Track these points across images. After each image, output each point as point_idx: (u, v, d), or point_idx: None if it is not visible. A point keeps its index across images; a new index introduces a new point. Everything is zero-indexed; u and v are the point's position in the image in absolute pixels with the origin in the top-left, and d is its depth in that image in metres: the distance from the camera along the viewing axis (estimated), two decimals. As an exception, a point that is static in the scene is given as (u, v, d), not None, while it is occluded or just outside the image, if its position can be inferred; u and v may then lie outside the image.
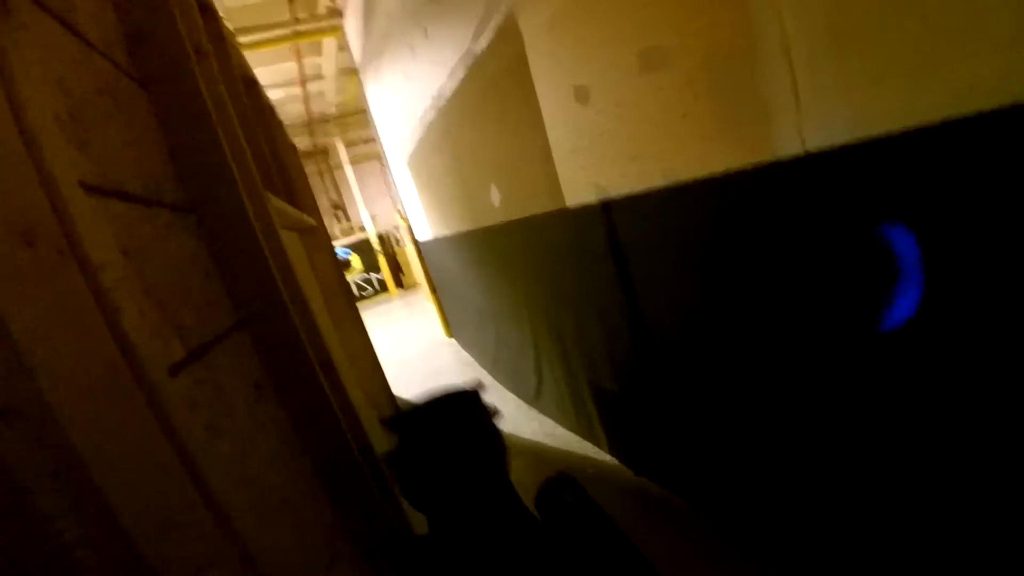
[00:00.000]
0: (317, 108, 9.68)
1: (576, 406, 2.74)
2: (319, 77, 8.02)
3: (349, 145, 12.20)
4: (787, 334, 1.29)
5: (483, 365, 4.45)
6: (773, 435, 1.48)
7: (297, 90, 8.12)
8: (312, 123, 9.98)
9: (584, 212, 1.90)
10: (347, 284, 2.86)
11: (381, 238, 12.06)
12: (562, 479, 0.94)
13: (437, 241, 4.42)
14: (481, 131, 2.59)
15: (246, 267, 0.89)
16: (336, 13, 5.06)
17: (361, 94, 5.54)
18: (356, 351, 2.59)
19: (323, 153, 13.14)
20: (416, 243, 5.76)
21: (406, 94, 3.61)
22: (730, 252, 1.35)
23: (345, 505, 1.01)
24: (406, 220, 5.88)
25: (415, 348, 6.18)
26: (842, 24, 0.94)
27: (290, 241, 1.92)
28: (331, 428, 0.99)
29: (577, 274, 2.14)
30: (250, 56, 6.31)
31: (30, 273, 0.27)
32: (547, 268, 2.41)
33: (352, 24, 4.77)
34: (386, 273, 12.03)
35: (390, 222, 12.95)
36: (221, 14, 5.16)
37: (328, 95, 9.05)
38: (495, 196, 2.70)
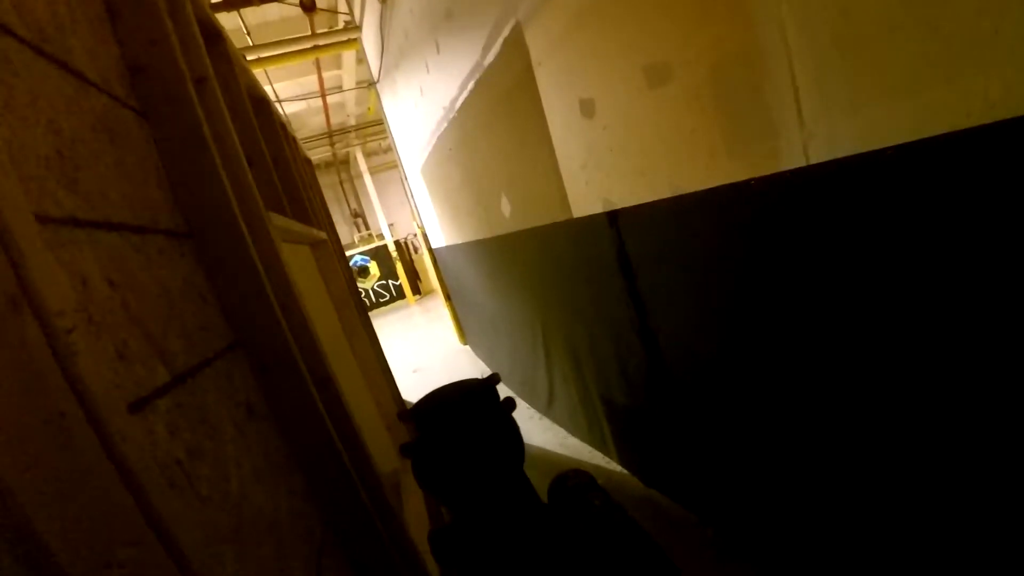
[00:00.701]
0: (337, 119, 9.86)
1: (588, 417, 2.73)
2: (339, 89, 8.18)
3: (369, 155, 12.40)
4: (797, 348, 1.27)
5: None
6: (783, 451, 1.45)
7: (318, 102, 8.30)
8: (332, 134, 10.17)
9: (591, 223, 1.90)
10: (359, 294, 2.90)
11: (399, 245, 12.20)
12: (576, 473, 0.95)
13: (451, 249, 4.46)
14: (492, 142, 2.62)
15: (241, 288, 0.92)
16: (354, 27, 5.16)
17: (379, 105, 5.64)
18: (366, 360, 2.62)
19: (344, 163, 13.38)
20: (431, 250, 5.82)
21: (421, 106, 3.66)
22: (737, 264, 1.34)
23: (336, 521, 1.03)
24: (422, 228, 5.94)
25: (430, 355, 6.23)
26: (847, 39, 0.93)
27: (297, 255, 1.96)
28: (324, 446, 1.00)
29: (587, 285, 2.14)
30: (272, 70, 6.48)
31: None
32: (558, 279, 2.41)
33: (369, 37, 4.86)
34: (403, 280, 12.16)
35: (408, 230, 13.10)
36: (245, 31, 5.28)
37: (348, 106, 9.22)
38: (505, 206, 2.71)
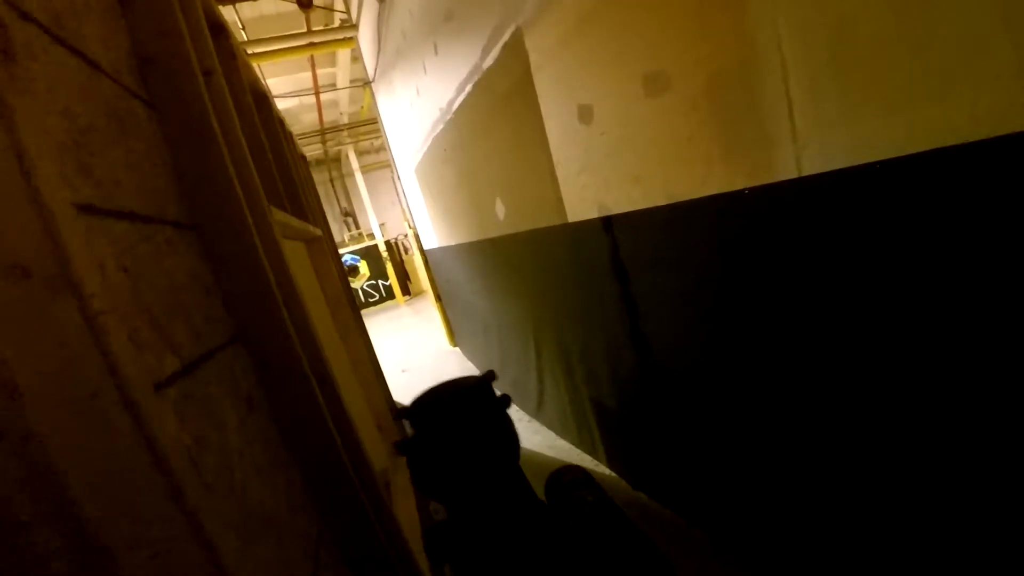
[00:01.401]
0: (330, 117, 9.82)
1: (578, 420, 2.74)
2: (333, 87, 8.15)
3: (360, 154, 12.35)
4: (786, 355, 1.30)
5: (486, 376, 4.46)
6: (771, 455, 1.48)
7: (311, 100, 8.26)
8: (325, 132, 10.12)
9: (586, 227, 1.92)
10: (352, 293, 2.90)
11: (389, 245, 12.16)
12: (570, 469, 0.96)
13: (443, 250, 4.46)
14: (488, 145, 2.63)
15: (245, 282, 0.92)
16: (351, 26, 5.16)
17: (373, 105, 5.63)
18: (359, 359, 2.61)
19: (335, 161, 13.32)
20: (423, 251, 5.81)
21: (417, 107, 3.66)
22: (730, 271, 1.36)
23: (333, 516, 1.03)
24: (414, 228, 5.94)
25: (419, 357, 6.21)
26: (843, 55, 0.96)
27: (294, 251, 1.96)
28: (322, 440, 1.01)
29: (580, 290, 2.16)
30: (266, 66, 6.44)
31: (22, 307, 0.30)
32: (551, 282, 2.43)
33: (366, 36, 4.85)
34: (393, 280, 12.11)
35: (399, 230, 13.05)
36: (240, 26, 5.25)
37: (341, 105, 9.19)
38: (500, 209, 2.73)
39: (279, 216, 1.39)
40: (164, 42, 0.93)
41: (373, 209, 12.13)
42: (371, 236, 12.42)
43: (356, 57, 6.19)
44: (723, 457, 1.68)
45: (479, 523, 0.84)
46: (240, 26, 5.37)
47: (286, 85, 7.68)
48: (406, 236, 12.04)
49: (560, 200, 2.05)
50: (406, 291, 12.48)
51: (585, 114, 1.71)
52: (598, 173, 1.76)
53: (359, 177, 11.80)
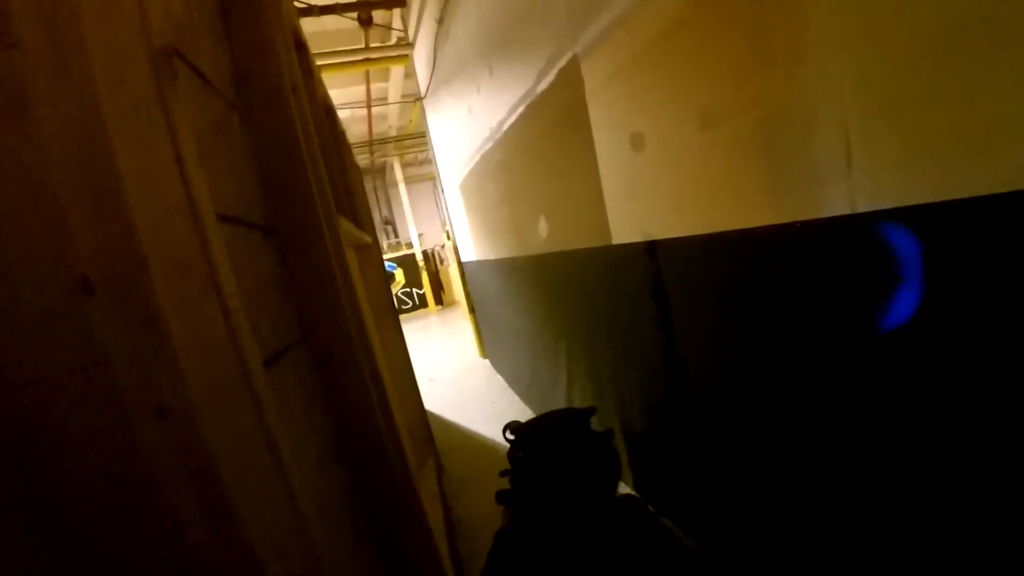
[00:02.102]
0: (379, 129, 10.15)
1: (605, 443, 2.73)
2: (384, 101, 8.44)
3: (405, 166, 12.68)
4: (822, 391, 1.29)
5: (515, 389, 4.48)
6: (802, 492, 1.45)
7: (363, 112, 8.57)
8: (373, 143, 10.46)
9: (629, 251, 1.94)
10: (393, 301, 2.98)
11: (426, 255, 12.39)
12: (627, 498, 0.99)
13: (481, 263, 4.53)
14: (536, 166, 2.69)
15: (316, 285, 0.98)
16: (407, 44, 5.36)
17: (422, 120, 5.81)
18: (397, 367, 2.68)
19: (380, 171, 13.71)
20: (460, 263, 5.91)
21: (467, 125, 3.77)
22: (770, 304, 1.37)
23: (374, 515, 1.07)
24: (452, 240, 6.05)
25: (449, 366, 6.27)
26: (898, 103, 0.97)
27: (349, 257, 2.05)
28: (373, 440, 1.06)
29: (617, 312, 2.17)
30: (324, 78, 6.74)
31: (185, 301, 0.35)
32: (588, 302, 2.45)
33: (421, 55, 5.04)
34: (427, 289, 12.31)
35: (436, 241, 13.29)
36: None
37: (391, 118, 9.50)
38: (543, 228, 2.78)
39: (343, 223, 1.47)
40: (261, 58, 1.02)
41: (413, 219, 12.40)
42: (409, 245, 12.68)
43: (409, 74, 6.41)
44: (752, 490, 1.65)
45: (550, 534, 0.88)
46: (304, 40, 5.64)
47: (339, 97, 7.99)
48: (443, 247, 12.24)
49: (605, 223, 2.08)
50: (439, 301, 12.66)
51: (637, 142, 1.75)
52: (645, 200, 1.79)
53: (402, 188, 12.12)
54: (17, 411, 0.29)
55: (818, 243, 1.21)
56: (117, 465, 0.32)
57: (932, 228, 0.97)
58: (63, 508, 0.31)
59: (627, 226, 1.94)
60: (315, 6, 4.72)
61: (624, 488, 2.60)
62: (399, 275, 12.37)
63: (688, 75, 1.46)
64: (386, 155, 11.69)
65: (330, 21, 6.06)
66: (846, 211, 1.13)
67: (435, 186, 13.16)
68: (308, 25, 5.79)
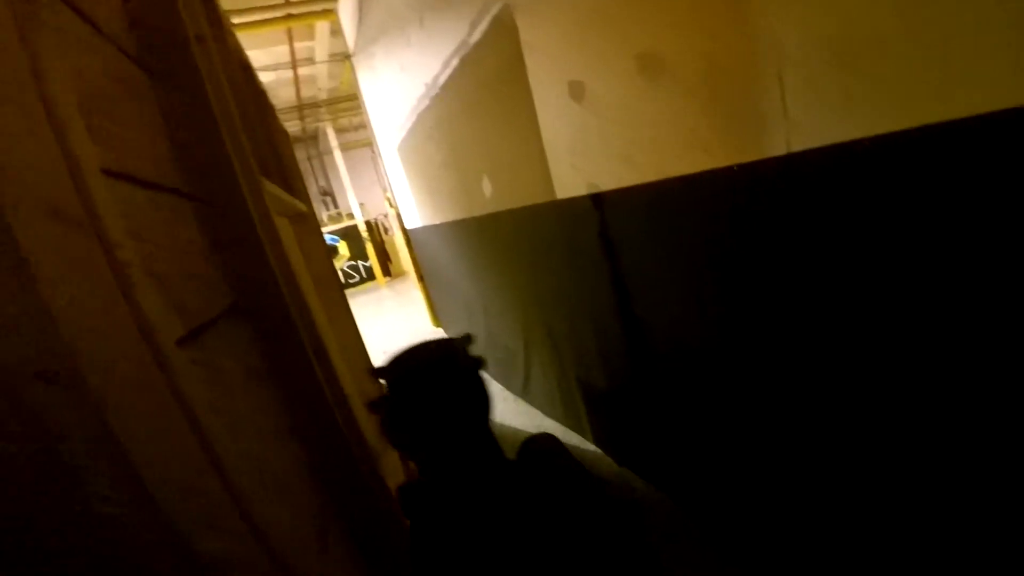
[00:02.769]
0: (308, 92, 9.56)
1: (564, 398, 2.79)
2: (311, 61, 7.92)
3: (340, 131, 12.09)
4: (776, 333, 1.34)
5: (470, 355, 4.48)
6: (757, 433, 1.53)
7: (289, 74, 8.02)
8: (303, 108, 9.86)
9: (575, 205, 1.93)
10: (336, 272, 2.87)
11: (369, 226, 12.00)
12: (543, 436, 1.00)
13: (427, 229, 4.43)
14: (476, 122, 2.61)
15: (242, 253, 0.91)
16: (330, -3, 5.01)
17: (353, 80, 5.50)
18: (345, 339, 2.60)
19: (313, 139, 13.01)
20: (405, 231, 5.76)
21: (401, 82, 3.60)
22: (719, 249, 1.39)
23: (336, 490, 1.04)
24: (395, 207, 5.87)
25: (402, 338, 6.19)
26: (840, 45, 0.98)
27: (283, 227, 1.93)
28: (323, 413, 1.02)
29: (569, 269, 2.18)
30: (241, 37, 6.22)
31: (58, 246, 0.30)
32: (539, 261, 2.44)
33: (346, 10, 4.72)
34: (374, 261, 11.99)
35: (379, 210, 12.87)
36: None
37: (320, 80, 8.95)
38: (487, 187, 2.72)
39: (271, 189, 1.37)
40: (157, 5, 0.90)
41: (353, 188, 11.92)
42: (351, 216, 12.23)
43: (336, 30, 6.02)
44: (708, 436, 1.73)
45: (448, 481, 0.87)
46: (214, -5, 5.16)
47: (262, 58, 7.43)
48: (387, 216, 11.89)
49: (549, 178, 2.05)
50: (387, 272, 12.38)
51: (576, 91, 1.71)
52: (588, 152, 1.77)
53: (338, 155, 11.56)
54: None
55: (753, 186, 1.24)
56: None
57: (864, 162, 1.00)
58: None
59: (572, 179, 1.92)
60: (222, -44, 4.29)
61: (586, 444, 2.68)
62: (343, 248, 11.96)
63: (628, 20, 1.42)
64: (318, 120, 11.08)
65: (242, -27, 5.55)
66: (782, 151, 1.15)
67: (373, 151, 12.68)
68: (217, -22, 5.29)
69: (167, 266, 0.66)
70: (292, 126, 10.79)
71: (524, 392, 3.35)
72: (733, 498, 1.74)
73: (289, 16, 5.36)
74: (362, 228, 11.77)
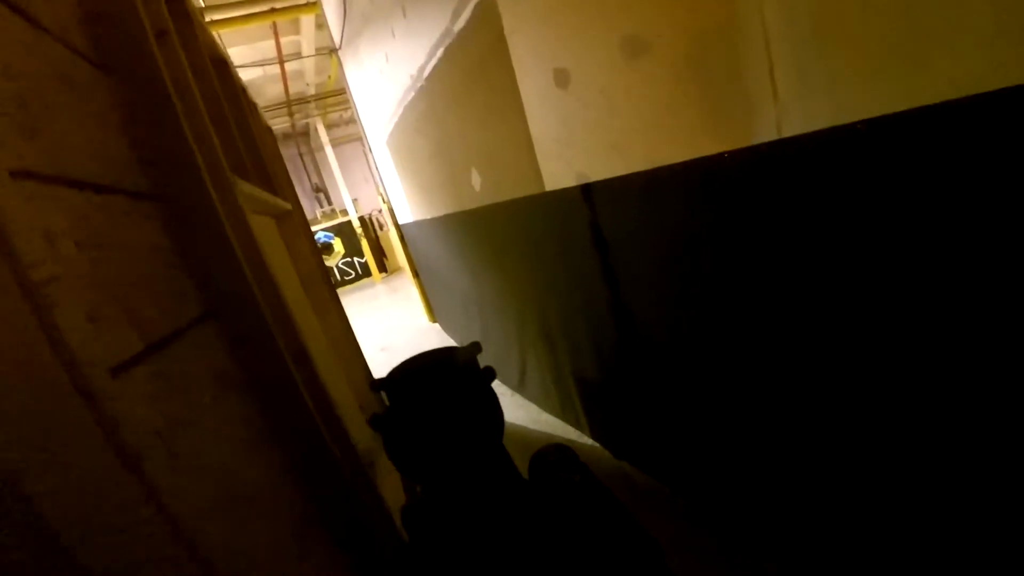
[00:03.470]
0: (296, 88, 9.44)
1: (560, 392, 2.76)
2: (297, 56, 7.81)
3: (330, 127, 11.97)
4: (767, 323, 1.31)
5: (466, 350, 4.46)
6: (751, 423, 1.51)
7: (275, 69, 7.91)
8: (291, 104, 9.75)
9: (564, 196, 1.89)
10: (326, 270, 2.83)
11: (364, 222, 11.92)
12: (557, 449, 0.94)
13: (419, 224, 4.38)
14: (462, 113, 2.56)
15: (212, 256, 0.87)
16: (314, -10, 4.92)
17: (341, 74, 5.42)
18: (337, 338, 2.57)
19: (303, 135, 12.88)
20: (398, 226, 5.71)
21: (387, 74, 3.53)
22: (711, 239, 1.36)
23: (318, 495, 1.01)
24: (388, 203, 5.81)
25: (398, 334, 6.16)
26: (825, 21, 0.94)
27: (264, 227, 1.89)
28: (303, 420, 0.98)
29: (561, 262, 2.14)
30: (227, 34, 6.12)
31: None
32: (531, 254, 2.41)
33: (331, 2, 4.63)
34: (369, 257, 11.92)
35: (373, 205, 12.79)
36: (193, -10, 4.94)
37: (307, 75, 8.83)
38: (476, 180, 2.67)
39: (245, 188, 1.32)
40: (113, 0, 0.86)
41: (345, 184, 11.82)
42: (344, 212, 12.15)
43: (321, 24, 5.93)
44: (704, 426, 1.71)
45: (457, 501, 0.82)
46: (195, -10, 5.06)
47: (249, 55, 7.33)
48: (380, 211, 11.82)
49: (537, 169, 2.01)
50: (382, 268, 12.32)
51: (561, 78, 1.66)
52: (576, 141, 1.73)
53: (329, 151, 11.45)
54: None
55: (744, 173, 1.20)
56: None
57: (855, 147, 0.96)
58: None
59: (561, 170, 1.88)
60: (202, -50, 4.20)
61: (583, 438, 2.66)
62: (337, 245, 11.89)
63: (611, 2, 1.37)
64: (308, 116, 10.95)
65: (224, -32, 5.45)
66: (772, 136, 1.11)
67: (364, 146, 12.60)
68: (198, -27, 5.18)
69: (121, 275, 0.63)
70: (281, 122, 10.68)
71: (520, 386, 3.33)
72: (732, 486, 1.72)
73: (273, 10, 5.27)
74: (356, 224, 11.70)
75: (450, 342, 5.08)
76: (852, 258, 1.04)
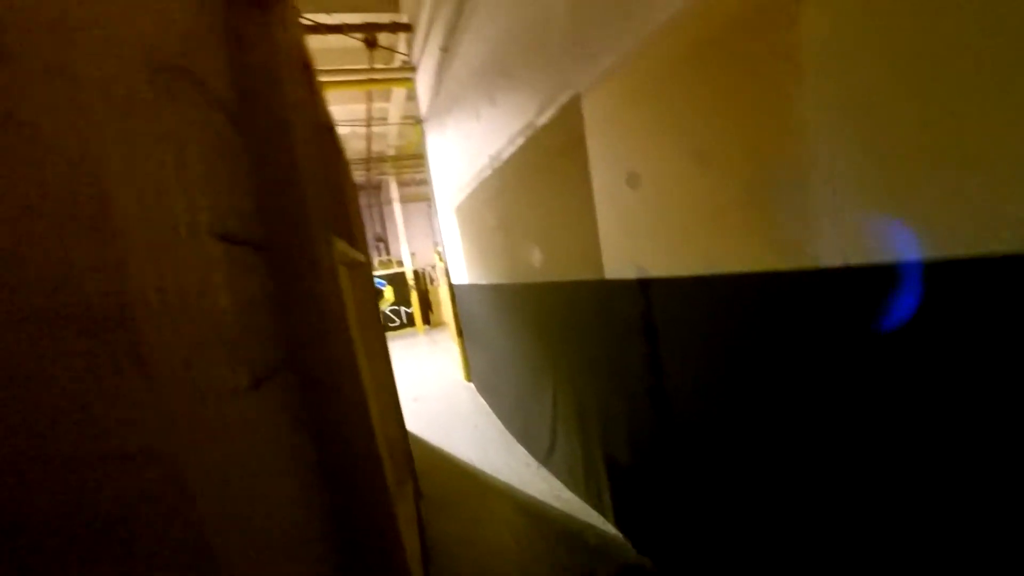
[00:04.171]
0: (377, 147, 10.23)
1: (587, 473, 2.70)
2: (384, 121, 8.54)
3: (401, 185, 12.76)
4: (806, 435, 1.29)
5: (498, 414, 4.44)
6: (786, 535, 1.44)
7: (362, 129, 8.64)
8: (370, 160, 10.53)
9: (622, 286, 1.96)
10: (380, 318, 2.96)
11: (416, 275, 12.36)
12: None
13: (472, 287, 4.53)
14: (533, 196, 2.72)
15: (307, 308, 0.97)
16: (410, 68, 5.46)
17: (421, 142, 5.87)
18: (380, 385, 2.64)
19: (376, 188, 13.77)
20: (451, 285, 5.90)
21: (466, 151, 3.82)
22: (759, 347, 1.38)
23: (353, 543, 1.04)
24: (444, 262, 6.05)
25: (432, 386, 6.20)
26: (888, 168, 1.00)
27: (342, 276, 2.04)
28: (354, 469, 1.04)
29: (607, 345, 2.18)
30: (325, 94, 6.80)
31: (170, 343, 0.35)
32: (578, 333, 2.45)
33: (423, 80, 5.12)
34: (416, 308, 12.24)
35: (427, 261, 13.29)
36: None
37: (389, 138, 9.59)
38: (536, 258, 2.79)
39: (338, 244, 1.46)
40: (266, 80, 1.02)
41: (406, 238, 12.41)
42: (400, 263, 12.67)
43: (411, 96, 6.51)
44: (736, 532, 1.64)
45: None
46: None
47: (341, 114, 8.07)
48: (433, 268, 12.23)
49: (599, 257, 2.10)
50: (427, 321, 12.59)
51: (633, 180, 1.78)
52: (639, 236, 1.81)
53: (397, 206, 12.15)
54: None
55: (804, 293, 1.23)
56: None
57: (915, 285, 0.99)
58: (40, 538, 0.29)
59: (620, 261, 1.96)
60: (323, 25, 4.79)
61: (607, 525, 2.56)
62: (388, 292, 12.31)
63: (687, 118, 1.49)
64: (383, 173, 11.76)
65: (336, 40, 6.16)
66: (836, 262, 1.15)
67: (429, 207, 13.24)
68: (314, 42, 5.87)
69: (240, 318, 0.73)
70: (358, 175, 11.50)
71: (547, 460, 3.27)
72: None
73: (371, 80, 5.85)
74: (409, 276, 12.14)
75: (481, 401, 5.07)
76: (894, 400, 1.04)
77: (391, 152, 10.45)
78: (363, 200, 13.54)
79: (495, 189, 3.30)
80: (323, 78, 5.85)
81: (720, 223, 1.45)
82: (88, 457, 0.31)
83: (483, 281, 4.05)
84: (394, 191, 12.01)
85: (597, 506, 2.67)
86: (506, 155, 2.93)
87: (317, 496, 0.97)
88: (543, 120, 2.36)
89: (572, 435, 2.79)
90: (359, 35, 5.05)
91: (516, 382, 3.69)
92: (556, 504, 2.91)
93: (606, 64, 1.81)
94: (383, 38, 5.30)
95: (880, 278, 1.05)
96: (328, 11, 5.08)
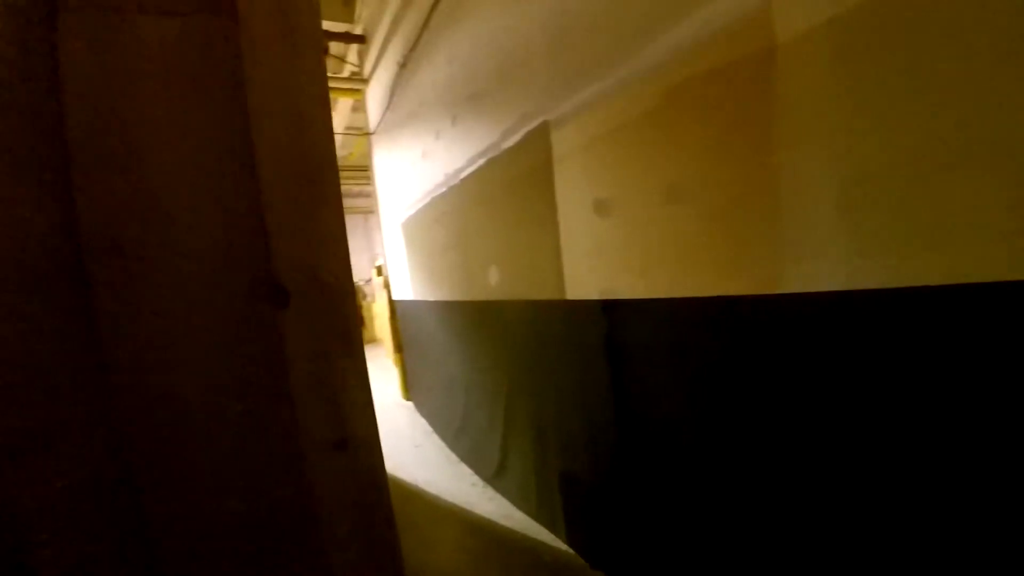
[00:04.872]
0: (314, 155, 9.91)
1: (540, 491, 2.75)
2: (325, 129, 8.31)
3: (336, 194, 12.37)
4: (766, 455, 1.42)
5: (441, 434, 4.39)
6: (743, 551, 1.56)
7: (301, 136, 8.36)
8: (306, 168, 10.17)
9: (585, 307, 2.05)
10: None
11: (349, 289, 11.97)
12: None
13: (417, 303, 4.50)
14: (492, 216, 2.79)
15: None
16: (360, 80, 5.40)
17: (368, 154, 5.80)
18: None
19: (308, 197, 13.25)
20: (391, 301, 5.80)
21: (419, 167, 3.83)
22: (723, 370, 1.50)
23: None
24: (385, 276, 5.95)
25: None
26: (852, 202, 1.15)
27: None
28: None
29: (567, 365, 2.26)
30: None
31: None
32: (535, 353, 2.52)
33: (375, 93, 5.09)
34: (347, 325, 11.83)
35: (361, 275, 12.94)
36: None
37: (329, 146, 9.32)
38: (493, 276, 2.85)
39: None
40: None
41: (338, 250, 12.02)
42: (331, 277, 12.22)
43: (357, 108, 6.42)
44: (688, 544, 1.75)
45: None
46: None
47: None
48: (368, 282, 11.93)
49: (561, 278, 2.19)
50: (357, 337, 12.19)
51: (602, 207, 1.89)
52: (605, 260, 1.92)
53: (330, 217, 11.77)
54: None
55: (764, 317, 1.38)
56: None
57: (877, 312, 1.14)
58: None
59: (584, 282, 2.06)
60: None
61: (558, 542, 2.62)
62: (318, 306, 11.82)
63: (660, 152, 1.62)
64: (318, 183, 11.38)
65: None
66: (799, 288, 1.29)
67: (366, 220, 12.97)
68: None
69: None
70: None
71: (495, 480, 3.28)
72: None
73: (318, 88, 5.72)
74: (341, 290, 11.73)
75: (420, 420, 5.00)
76: (854, 420, 1.19)
77: (328, 162, 10.16)
78: (294, 209, 12.99)
79: (449, 206, 3.34)
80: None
81: (685, 247, 1.58)
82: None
83: (431, 297, 4.04)
84: (329, 202, 11.63)
85: (548, 525, 2.72)
86: (465, 174, 2.99)
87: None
88: (508, 143, 2.45)
89: (525, 454, 2.84)
90: (308, 43, 4.94)
91: (464, 399, 3.69)
92: (506, 523, 2.92)
93: (581, 98, 1.92)
94: (334, 47, 5.22)
95: (841, 304, 1.19)
96: (276, 16, 4.94)
